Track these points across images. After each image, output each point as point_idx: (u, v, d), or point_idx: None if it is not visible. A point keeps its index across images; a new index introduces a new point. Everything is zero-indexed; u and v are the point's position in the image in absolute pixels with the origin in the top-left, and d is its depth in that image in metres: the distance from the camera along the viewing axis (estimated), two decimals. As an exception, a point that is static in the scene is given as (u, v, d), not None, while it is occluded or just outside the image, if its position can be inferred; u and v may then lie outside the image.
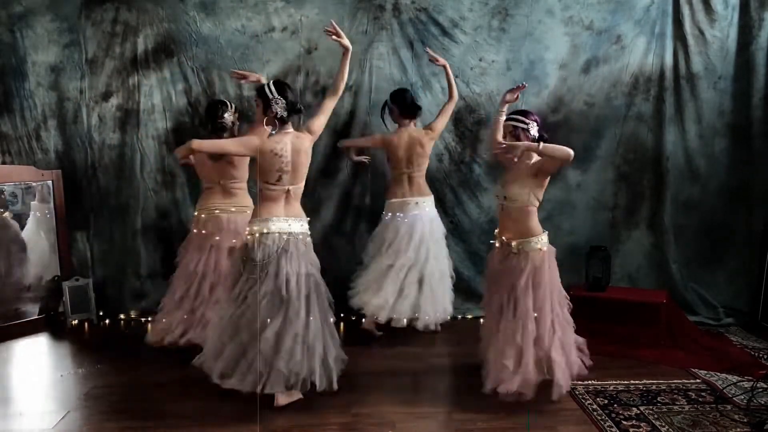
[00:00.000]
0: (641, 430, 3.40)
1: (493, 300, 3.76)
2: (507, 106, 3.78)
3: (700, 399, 3.77)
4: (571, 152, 3.48)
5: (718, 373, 4.13)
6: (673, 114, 5.20)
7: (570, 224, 5.32)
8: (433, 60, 4.65)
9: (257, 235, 3.51)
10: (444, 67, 4.62)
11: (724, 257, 5.28)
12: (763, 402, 3.65)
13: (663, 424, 3.44)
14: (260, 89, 3.59)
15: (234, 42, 5.04)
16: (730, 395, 3.78)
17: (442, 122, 4.71)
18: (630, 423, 3.46)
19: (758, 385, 3.80)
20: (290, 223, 3.58)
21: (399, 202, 4.65)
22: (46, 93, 5.07)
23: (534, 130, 3.67)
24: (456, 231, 5.28)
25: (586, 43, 5.15)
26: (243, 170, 4.42)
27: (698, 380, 4.04)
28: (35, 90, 5.06)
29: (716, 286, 5.29)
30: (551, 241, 5.27)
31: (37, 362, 4.45)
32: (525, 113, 3.78)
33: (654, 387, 3.94)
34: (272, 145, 3.49)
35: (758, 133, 5.13)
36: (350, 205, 5.27)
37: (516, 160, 3.67)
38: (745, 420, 3.47)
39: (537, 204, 3.69)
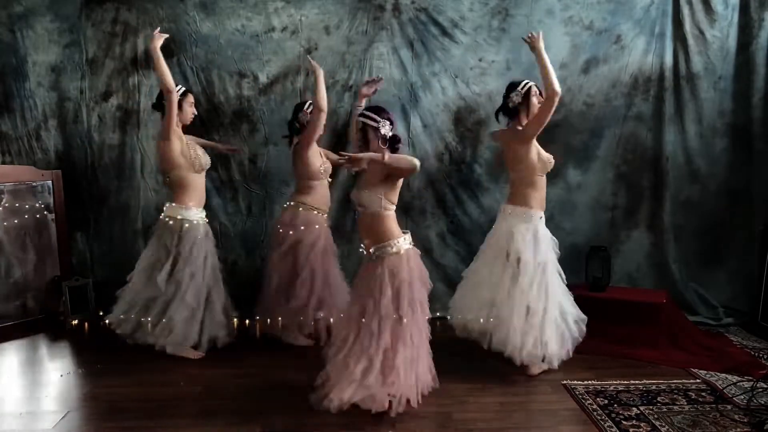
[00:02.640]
0: (641, 430, 3.40)
1: (354, 308, 3.55)
2: (365, 100, 3.77)
3: (700, 399, 3.77)
4: (417, 163, 3.37)
5: (718, 373, 4.13)
6: (673, 114, 5.21)
7: (570, 224, 5.32)
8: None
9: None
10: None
11: (724, 257, 5.28)
12: (763, 402, 3.65)
13: (663, 424, 3.44)
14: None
15: (234, 42, 5.04)
16: (730, 395, 3.79)
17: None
18: (630, 423, 3.46)
19: (758, 385, 3.81)
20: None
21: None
22: (47, 93, 5.08)
23: (385, 129, 3.44)
24: (456, 231, 5.29)
25: (585, 43, 5.15)
26: None
27: (698, 380, 4.04)
28: (35, 90, 5.07)
29: (716, 286, 5.29)
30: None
31: (37, 362, 4.45)
32: (378, 110, 3.49)
33: (654, 387, 3.95)
34: None
35: (758, 133, 5.13)
36: (350, 205, 5.26)
37: (365, 166, 3.45)
38: (746, 420, 3.47)
39: (392, 208, 3.49)
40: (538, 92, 4.05)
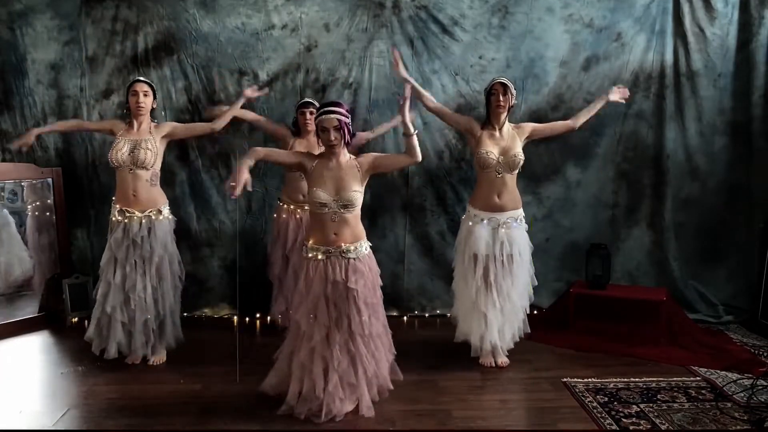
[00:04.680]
0: (641, 427, 3.40)
1: (323, 312, 3.40)
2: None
3: (700, 396, 3.77)
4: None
5: (718, 371, 4.13)
6: (674, 111, 5.20)
7: (570, 222, 5.32)
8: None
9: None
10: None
11: (724, 255, 5.28)
12: (763, 399, 3.66)
13: (663, 422, 3.44)
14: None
15: (234, 39, 5.04)
16: (730, 393, 3.79)
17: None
18: (630, 420, 3.46)
19: (758, 382, 3.81)
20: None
21: None
22: (46, 91, 5.07)
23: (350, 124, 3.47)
24: (456, 228, 5.27)
25: (586, 41, 5.14)
26: None
27: (698, 378, 4.04)
28: (35, 88, 5.07)
29: (716, 283, 5.29)
30: (552, 239, 5.34)
31: (38, 359, 4.45)
32: (339, 104, 3.46)
33: (654, 385, 3.95)
34: None
35: (758, 130, 5.13)
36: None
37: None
38: (745, 417, 3.47)
39: None
40: (501, 90, 4.10)
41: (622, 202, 5.33)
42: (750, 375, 3.99)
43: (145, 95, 4.15)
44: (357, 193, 3.40)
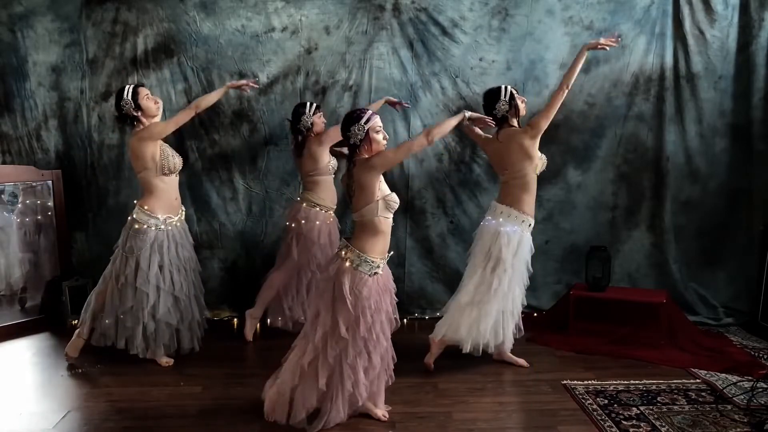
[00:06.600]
0: (641, 430, 3.40)
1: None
2: None
3: (700, 399, 3.77)
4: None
5: (718, 373, 4.13)
6: (674, 114, 5.20)
7: (570, 224, 5.32)
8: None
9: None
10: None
11: (724, 257, 5.28)
12: (763, 402, 3.65)
13: (663, 424, 3.44)
14: None
15: (234, 42, 5.04)
16: (730, 395, 3.78)
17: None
18: (630, 423, 3.46)
19: (758, 385, 3.80)
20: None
21: None
22: (47, 93, 5.08)
23: None
24: (456, 231, 5.29)
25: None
26: None
27: (698, 380, 4.04)
28: (36, 90, 5.07)
29: (716, 286, 5.29)
30: (552, 241, 5.33)
31: (38, 362, 4.45)
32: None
33: (654, 387, 3.95)
34: None
35: (758, 133, 5.13)
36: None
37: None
38: (746, 420, 3.47)
39: None
40: (516, 92, 4.17)
41: (622, 204, 5.33)
42: (750, 377, 3.98)
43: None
44: None
